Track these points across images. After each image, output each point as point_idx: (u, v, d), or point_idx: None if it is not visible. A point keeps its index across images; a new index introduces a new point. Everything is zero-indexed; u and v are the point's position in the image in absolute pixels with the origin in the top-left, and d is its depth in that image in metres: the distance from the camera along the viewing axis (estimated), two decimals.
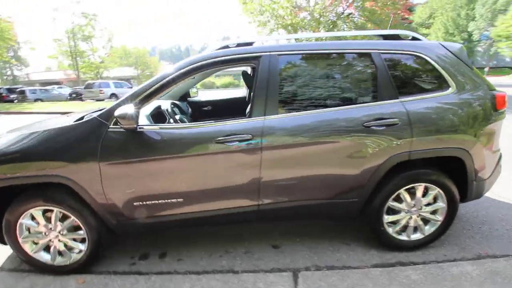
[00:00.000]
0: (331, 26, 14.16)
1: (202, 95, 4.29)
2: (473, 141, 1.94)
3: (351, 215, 2.08)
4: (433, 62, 1.96)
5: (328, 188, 1.94)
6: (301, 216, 2.09)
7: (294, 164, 1.87)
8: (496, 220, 2.56)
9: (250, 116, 1.86)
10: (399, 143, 1.86)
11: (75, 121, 1.96)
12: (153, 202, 1.87)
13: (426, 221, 2.11)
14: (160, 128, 1.86)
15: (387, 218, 2.05)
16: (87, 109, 3.20)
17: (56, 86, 23.77)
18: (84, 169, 1.77)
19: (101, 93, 19.28)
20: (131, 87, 22.17)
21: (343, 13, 14.35)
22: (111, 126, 1.81)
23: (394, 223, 2.09)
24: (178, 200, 1.87)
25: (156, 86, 1.85)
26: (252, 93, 1.90)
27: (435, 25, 35.19)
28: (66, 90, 22.79)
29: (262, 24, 14.16)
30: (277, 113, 1.86)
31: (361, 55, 1.96)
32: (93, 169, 1.76)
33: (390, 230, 2.08)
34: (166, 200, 1.86)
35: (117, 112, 1.69)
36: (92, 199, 1.82)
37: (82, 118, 2.10)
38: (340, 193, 1.95)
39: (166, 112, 2.67)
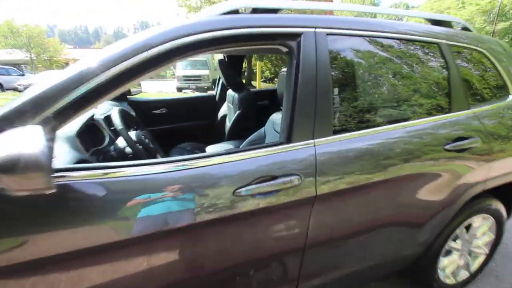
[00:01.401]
0: None
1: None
2: None
3: (403, 268, 1.53)
4: (495, 61, 1.54)
5: (392, 243, 1.33)
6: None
7: (354, 215, 1.17)
8: None
9: (288, 141, 1.05)
10: (478, 169, 1.37)
11: None
12: None
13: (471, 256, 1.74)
14: (105, 174, 0.84)
15: (443, 262, 1.58)
16: None
17: None
18: None
19: None
20: (23, 75, 17.41)
21: None
22: None
23: (446, 266, 1.64)
24: None
25: (99, 80, 0.81)
26: (285, 98, 1.08)
27: None
28: None
29: (193, 9, 12.79)
30: (331, 134, 1.09)
31: (429, 44, 1.36)
32: None
33: (441, 275, 1.63)
34: None
35: None
36: None
37: None
38: (404, 247, 1.37)
39: (107, 125, 1.54)
